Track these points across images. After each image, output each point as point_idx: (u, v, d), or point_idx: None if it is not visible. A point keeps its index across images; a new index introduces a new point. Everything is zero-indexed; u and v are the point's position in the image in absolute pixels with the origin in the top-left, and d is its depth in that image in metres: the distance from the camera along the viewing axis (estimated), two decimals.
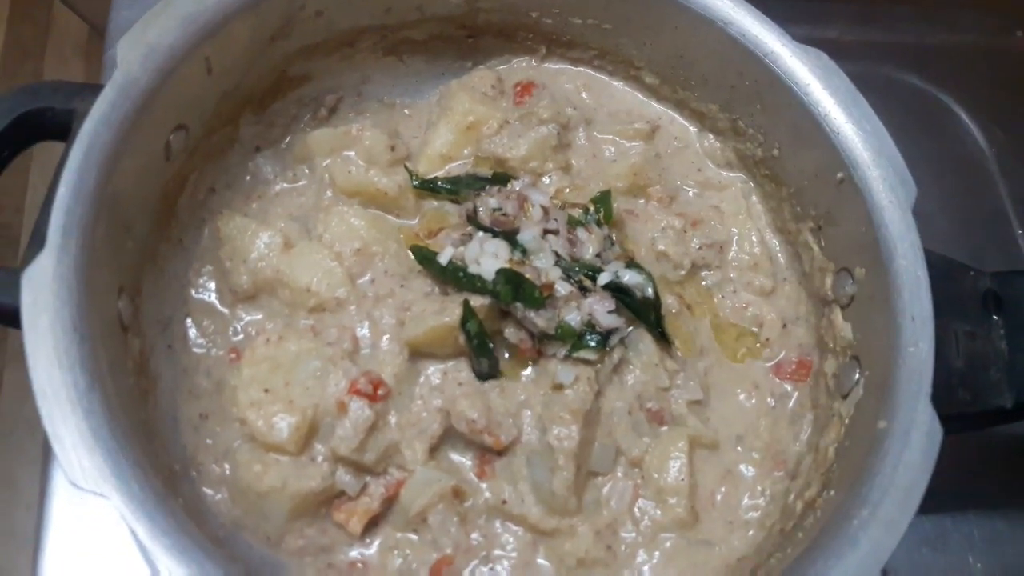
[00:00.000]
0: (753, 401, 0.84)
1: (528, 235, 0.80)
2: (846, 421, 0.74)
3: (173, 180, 0.80)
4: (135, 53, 0.70)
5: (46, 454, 0.90)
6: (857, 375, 0.74)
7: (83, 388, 0.59)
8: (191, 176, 0.83)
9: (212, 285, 0.82)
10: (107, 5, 1.10)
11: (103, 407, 0.60)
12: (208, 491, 0.74)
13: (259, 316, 0.81)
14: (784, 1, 0.84)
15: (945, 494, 0.96)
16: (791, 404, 0.83)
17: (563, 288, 0.77)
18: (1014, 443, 0.98)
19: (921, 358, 0.68)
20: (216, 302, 0.82)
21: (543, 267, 0.78)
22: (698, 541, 0.78)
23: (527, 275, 0.77)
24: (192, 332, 0.80)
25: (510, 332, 0.79)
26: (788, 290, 0.87)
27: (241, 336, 0.80)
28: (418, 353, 0.79)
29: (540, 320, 0.77)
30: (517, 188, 0.84)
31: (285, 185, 0.87)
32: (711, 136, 0.92)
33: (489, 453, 0.77)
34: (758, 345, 0.86)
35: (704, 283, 0.88)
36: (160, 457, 0.70)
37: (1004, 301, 0.76)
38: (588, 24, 0.89)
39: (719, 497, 0.80)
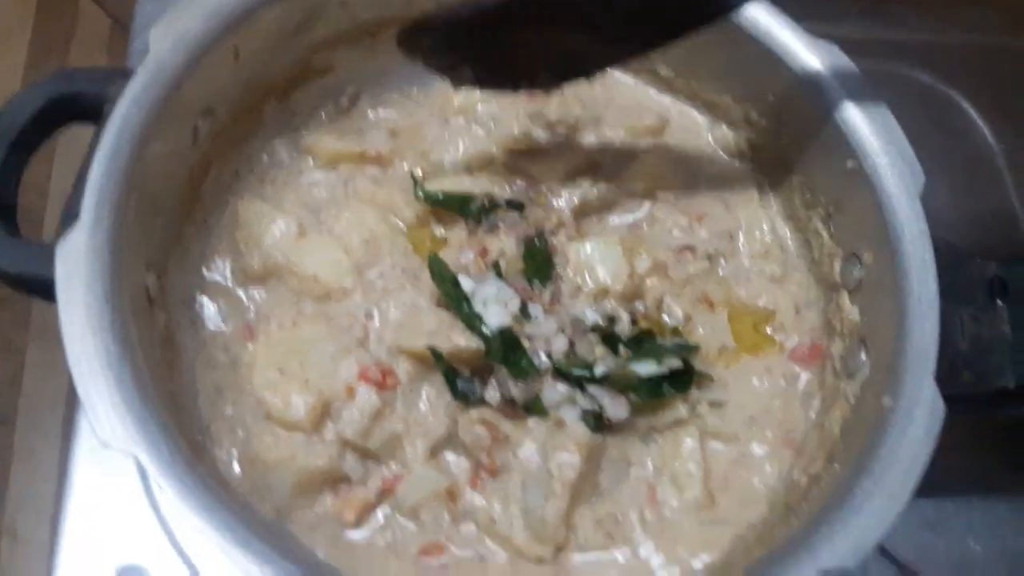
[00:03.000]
0: (766, 384, 0.85)
1: (537, 324, 0.78)
2: (852, 400, 0.75)
3: (200, 163, 0.82)
4: (166, 40, 0.73)
5: (65, 428, 0.93)
6: (864, 356, 0.76)
7: (115, 355, 0.62)
8: (217, 160, 0.85)
9: (228, 265, 0.84)
10: (131, 1, 1.12)
11: (133, 374, 0.62)
12: (223, 460, 0.75)
13: (269, 298, 0.83)
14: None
15: (947, 478, 0.98)
16: (802, 385, 0.84)
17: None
18: (1017, 428, 1.00)
19: (926, 339, 0.70)
20: (230, 281, 0.83)
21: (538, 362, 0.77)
22: (710, 521, 0.79)
23: (524, 342, 0.77)
24: (210, 309, 0.82)
25: (490, 393, 0.77)
26: (798, 277, 0.88)
27: (253, 314, 0.82)
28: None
29: (515, 389, 0.76)
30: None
31: (303, 176, 0.89)
32: (724, 126, 0.94)
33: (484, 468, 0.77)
34: (770, 330, 0.87)
35: (721, 272, 0.90)
36: (185, 426, 0.72)
37: (1009, 287, 0.77)
38: None
39: (732, 478, 0.81)
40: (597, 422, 0.77)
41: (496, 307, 0.78)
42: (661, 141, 0.94)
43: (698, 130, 0.95)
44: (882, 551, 0.95)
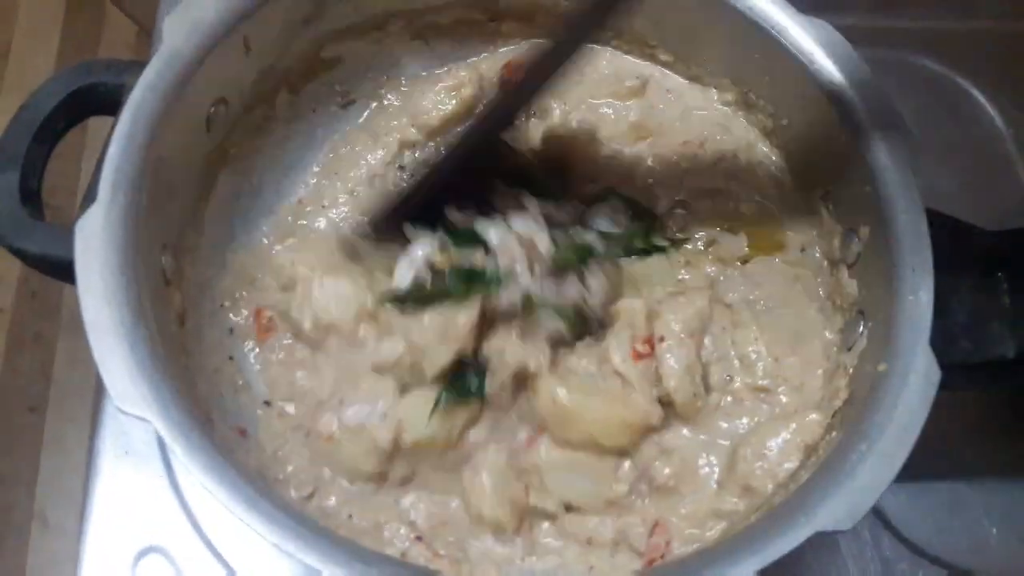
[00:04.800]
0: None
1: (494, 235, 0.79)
2: (850, 371, 0.76)
3: (215, 152, 0.85)
4: (179, 29, 0.76)
5: (94, 419, 0.96)
6: (862, 327, 0.77)
7: (129, 324, 0.65)
8: (231, 150, 0.88)
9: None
10: (154, 7, 1.17)
11: (147, 343, 0.65)
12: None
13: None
14: None
15: (964, 461, 0.99)
16: None
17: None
18: None
19: (921, 305, 0.70)
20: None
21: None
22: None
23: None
24: (219, 291, 0.85)
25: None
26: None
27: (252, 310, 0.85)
28: None
29: (502, 299, 0.77)
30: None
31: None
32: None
33: None
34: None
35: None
36: (199, 401, 0.75)
37: (1009, 257, 0.78)
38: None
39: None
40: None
41: (402, 271, 0.79)
42: (646, 101, 0.96)
43: (680, 90, 0.96)
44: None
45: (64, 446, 1.19)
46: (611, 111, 0.96)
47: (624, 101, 0.96)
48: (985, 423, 1.00)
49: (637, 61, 0.97)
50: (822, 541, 0.63)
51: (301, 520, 0.62)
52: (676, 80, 0.96)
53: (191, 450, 0.61)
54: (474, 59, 0.97)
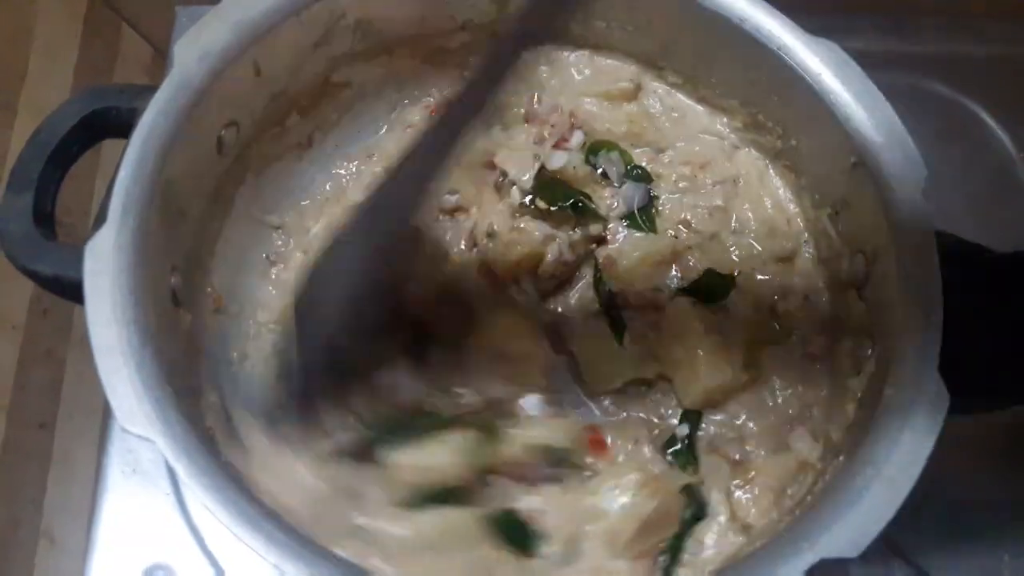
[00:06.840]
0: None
1: None
2: (858, 395, 0.76)
3: (226, 174, 0.86)
4: (190, 54, 0.77)
5: (102, 435, 0.97)
6: (870, 351, 0.76)
7: (136, 344, 0.65)
8: (242, 173, 0.89)
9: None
10: (169, 30, 1.19)
11: (153, 363, 0.65)
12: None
13: None
14: (810, 14, 0.87)
15: (975, 487, 0.97)
16: None
17: None
18: None
19: (929, 330, 0.70)
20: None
21: None
22: None
23: None
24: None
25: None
26: (807, 256, 0.90)
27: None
28: None
29: None
30: None
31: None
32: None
33: None
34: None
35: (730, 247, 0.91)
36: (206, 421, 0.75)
37: (1021, 280, 0.77)
38: (611, 27, 0.93)
39: None
40: None
41: None
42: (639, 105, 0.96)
43: (682, 108, 0.96)
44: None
45: (72, 463, 1.20)
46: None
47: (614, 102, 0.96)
48: (997, 449, 0.99)
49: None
50: (829, 568, 0.62)
51: (305, 542, 0.62)
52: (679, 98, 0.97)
53: (195, 471, 0.61)
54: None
